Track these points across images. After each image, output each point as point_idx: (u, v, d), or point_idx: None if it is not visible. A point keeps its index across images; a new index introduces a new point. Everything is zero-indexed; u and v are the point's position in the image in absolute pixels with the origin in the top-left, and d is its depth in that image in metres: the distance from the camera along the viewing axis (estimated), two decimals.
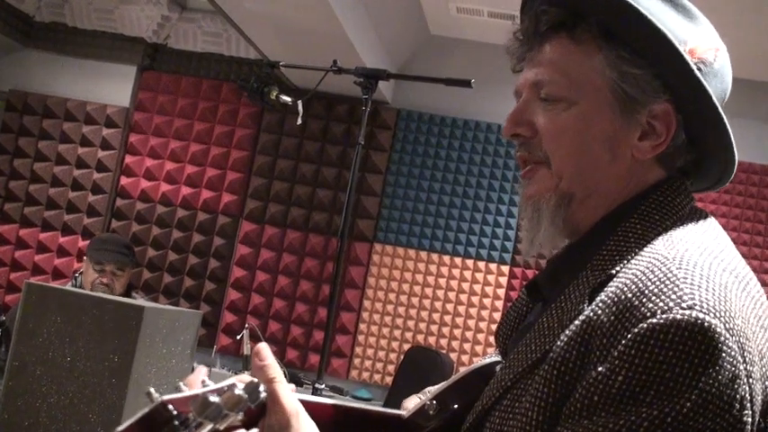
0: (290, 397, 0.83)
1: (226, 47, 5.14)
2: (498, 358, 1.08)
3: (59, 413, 1.65)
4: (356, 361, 4.88)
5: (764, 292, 0.87)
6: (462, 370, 1.08)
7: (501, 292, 4.81)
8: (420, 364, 4.29)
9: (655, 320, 0.76)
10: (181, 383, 0.76)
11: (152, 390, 0.73)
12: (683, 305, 0.77)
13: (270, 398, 0.81)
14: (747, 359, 0.77)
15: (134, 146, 5.12)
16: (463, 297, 4.83)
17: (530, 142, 0.97)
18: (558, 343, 0.83)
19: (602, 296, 0.83)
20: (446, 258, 4.87)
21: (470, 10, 4.51)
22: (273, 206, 5.02)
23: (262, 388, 0.79)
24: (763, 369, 0.80)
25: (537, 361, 0.86)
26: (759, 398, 0.78)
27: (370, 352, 4.87)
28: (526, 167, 0.98)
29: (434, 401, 1.02)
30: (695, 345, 0.75)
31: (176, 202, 5.08)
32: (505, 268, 4.82)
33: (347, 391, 4.68)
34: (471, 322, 4.81)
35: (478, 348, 4.79)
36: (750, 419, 0.76)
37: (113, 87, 5.13)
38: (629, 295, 0.80)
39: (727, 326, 0.76)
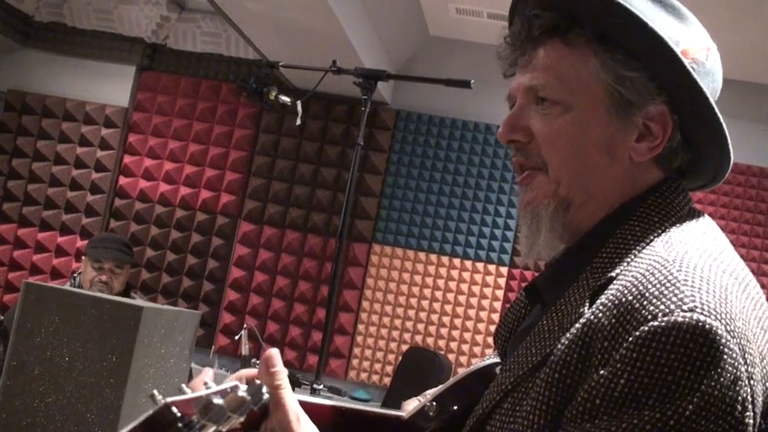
0: (293, 402, 0.84)
1: (225, 47, 5.14)
2: (497, 360, 1.08)
3: (57, 413, 1.65)
4: (354, 362, 4.88)
5: (763, 294, 0.87)
6: (462, 371, 1.08)
7: (499, 293, 4.81)
8: (418, 365, 4.29)
9: (656, 323, 0.76)
10: (184, 386, 0.76)
11: (155, 392, 0.73)
12: (684, 307, 0.77)
13: (273, 401, 0.83)
14: (748, 361, 0.77)
15: (133, 146, 5.12)
16: (462, 298, 4.83)
17: (526, 148, 0.97)
18: (559, 346, 0.83)
19: (603, 299, 0.83)
20: (444, 259, 4.87)
21: (470, 11, 4.52)
22: (272, 207, 5.01)
23: (264, 390, 0.79)
24: (764, 371, 0.79)
25: (538, 364, 0.85)
26: (760, 399, 0.78)
27: (368, 353, 4.87)
28: (523, 173, 0.98)
29: (434, 403, 1.02)
30: (697, 347, 0.75)
31: (175, 203, 5.08)
32: (504, 269, 4.82)
33: (345, 391, 4.68)
34: (470, 323, 4.81)
35: (477, 349, 4.79)
36: (751, 421, 0.76)
37: (112, 87, 5.13)
38: (630, 298, 0.80)
39: (728, 328, 0.76)
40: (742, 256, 0.92)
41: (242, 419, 0.77)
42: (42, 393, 1.66)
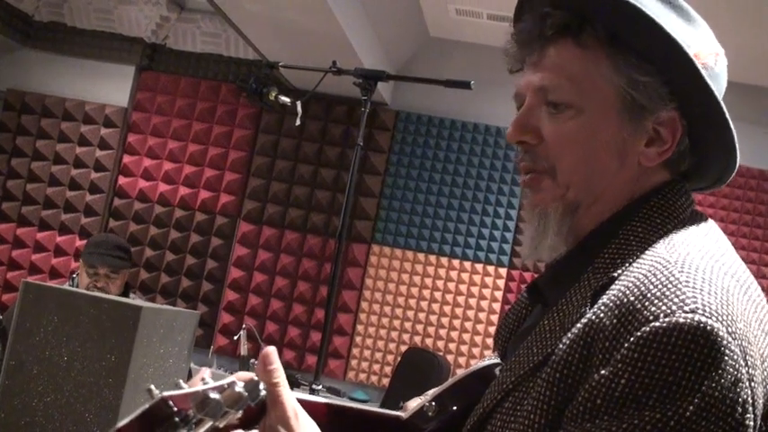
0: (291, 398, 0.84)
1: (225, 47, 5.14)
2: (497, 360, 1.07)
3: (56, 412, 1.64)
4: (353, 362, 4.88)
5: (764, 296, 0.87)
6: (461, 372, 1.08)
7: (498, 294, 4.80)
8: (417, 366, 4.29)
9: (658, 324, 0.76)
10: (181, 381, 0.76)
11: (152, 386, 0.73)
12: (686, 308, 0.76)
13: (270, 398, 0.82)
14: (749, 362, 0.77)
15: (132, 146, 5.12)
16: (461, 299, 4.83)
17: (534, 150, 0.96)
18: (561, 346, 0.83)
19: (605, 299, 0.83)
20: (444, 260, 4.87)
21: (470, 12, 4.52)
22: (271, 207, 5.01)
23: (262, 386, 0.79)
24: (765, 372, 0.79)
25: (539, 364, 0.85)
26: (761, 401, 0.78)
27: (367, 353, 4.86)
28: (528, 175, 0.97)
29: (433, 403, 1.02)
30: (698, 348, 0.75)
31: (174, 203, 5.08)
32: (503, 270, 4.81)
33: (344, 392, 4.68)
34: (469, 324, 4.80)
35: (476, 350, 4.79)
36: (752, 423, 0.76)
37: (112, 87, 5.12)
38: (632, 298, 0.80)
39: (729, 329, 0.76)
40: (741, 259, 0.92)
41: (239, 415, 0.77)
42: (41, 393, 1.66)
